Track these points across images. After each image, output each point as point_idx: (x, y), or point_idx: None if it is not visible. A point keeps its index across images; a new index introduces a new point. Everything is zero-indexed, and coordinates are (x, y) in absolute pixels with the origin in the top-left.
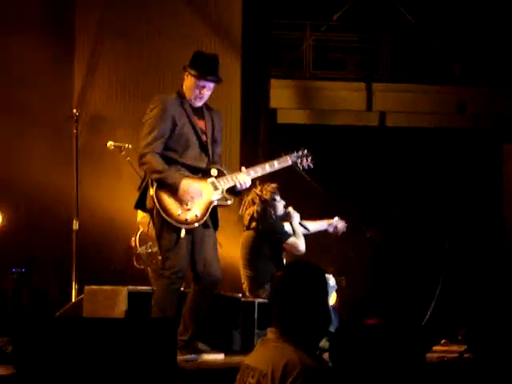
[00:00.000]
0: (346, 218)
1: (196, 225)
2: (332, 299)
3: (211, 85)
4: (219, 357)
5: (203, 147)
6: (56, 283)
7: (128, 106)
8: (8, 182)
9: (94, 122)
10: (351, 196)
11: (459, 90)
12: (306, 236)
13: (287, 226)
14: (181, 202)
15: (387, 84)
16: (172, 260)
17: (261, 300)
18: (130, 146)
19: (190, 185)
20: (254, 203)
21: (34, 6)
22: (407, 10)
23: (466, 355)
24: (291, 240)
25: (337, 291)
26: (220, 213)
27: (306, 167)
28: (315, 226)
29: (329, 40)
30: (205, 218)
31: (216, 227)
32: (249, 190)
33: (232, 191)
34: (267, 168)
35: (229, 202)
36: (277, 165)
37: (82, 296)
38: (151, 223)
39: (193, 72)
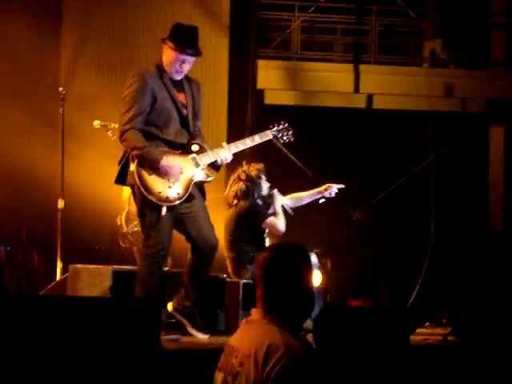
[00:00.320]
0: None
1: (177, 202)
2: (317, 280)
3: (192, 59)
4: (204, 337)
5: (184, 122)
6: (41, 262)
7: (114, 85)
8: None
9: (80, 101)
10: (338, 178)
11: (447, 72)
12: (292, 217)
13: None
14: (162, 179)
15: (375, 66)
16: (154, 238)
17: (245, 281)
18: (115, 125)
19: (170, 161)
20: (240, 180)
21: None
22: None
23: (449, 338)
24: (270, 219)
25: (322, 273)
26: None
27: (287, 141)
28: (301, 196)
29: (317, 21)
30: (186, 195)
31: (204, 196)
32: (235, 168)
33: (213, 166)
34: (248, 142)
35: (210, 179)
36: (258, 139)
37: (66, 275)
38: (132, 199)
39: (172, 45)
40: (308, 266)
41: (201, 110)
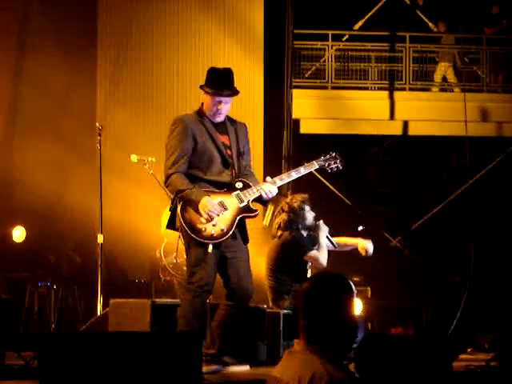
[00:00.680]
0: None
1: (223, 239)
2: (357, 308)
3: (228, 99)
4: (245, 368)
5: (226, 162)
6: (81, 296)
7: (150, 120)
8: (32, 195)
9: (117, 136)
10: (375, 205)
11: (482, 96)
12: (330, 251)
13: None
14: (205, 218)
15: (409, 92)
16: (198, 274)
17: (286, 311)
18: (153, 159)
19: (207, 202)
20: (283, 211)
21: (56, 21)
22: (428, 17)
23: (492, 363)
24: (313, 253)
25: (362, 301)
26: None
27: (335, 169)
28: (346, 243)
29: (350, 49)
30: (231, 231)
31: (246, 241)
32: (278, 200)
33: (258, 201)
34: (293, 174)
35: (255, 213)
36: (303, 170)
37: (107, 309)
38: (181, 241)
39: (207, 89)
40: (349, 296)
41: (249, 150)
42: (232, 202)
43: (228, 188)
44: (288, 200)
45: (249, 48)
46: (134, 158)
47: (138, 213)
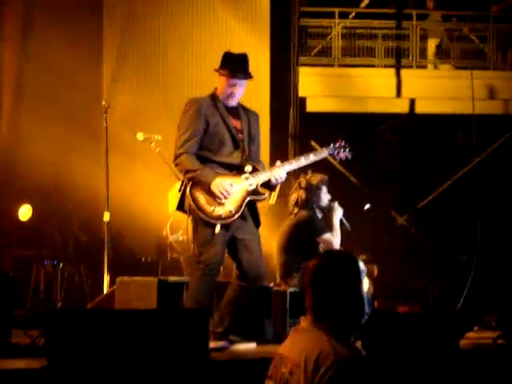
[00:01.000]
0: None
1: (231, 220)
2: (365, 286)
3: (243, 82)
4: (251, 346)
5: (237, 145)
6: (88, 275)
7: (157, 98)
8: (38, 173)
9: (123, 114)
10: (382, 183)
11: (489, 74)
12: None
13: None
14: (214, 198)
15: (416, 70)
16: (206, 253)
17: (292, 289)
18: (159, 137)
19: (221, 182)
20: (300, 187)
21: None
22: None
23: (499, 341)
24: (326, 236)
25: (369, 279)
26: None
27: (344, 158)
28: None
29: (357, 27)
30: (239, 212)
31: (258, 224)
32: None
33: (267, 185)
34: (303, 161)
35: (263, 197)
36: (312, 157)
37: (113, 287)
38: (189, 221)
39: (223, 71)
40: (357, 274)
41: (259, 140)
42: (241, 184)
43: (237, 170)
44: (308, 177)
45: (255, 26)
46: (140, 135)
47: (145, 191)
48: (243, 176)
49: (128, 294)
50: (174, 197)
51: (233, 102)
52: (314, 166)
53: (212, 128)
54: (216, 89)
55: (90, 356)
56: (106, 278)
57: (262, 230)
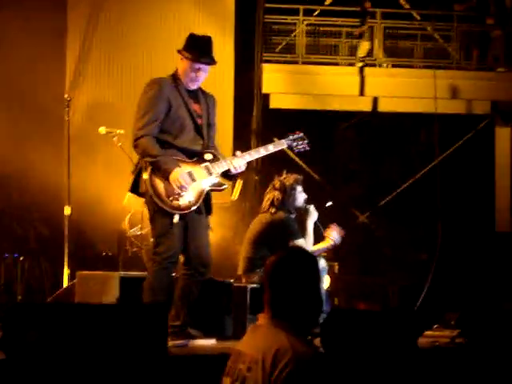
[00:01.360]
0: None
1: (189, 211)
2: (325, 283)
3: (206, 67)
4: (211, 342)
5: (198, 130)
6: (48, 268)
7: (120, 92)
8: None
9: (86, 108)
10: (344, 181)
11: (452, 74)
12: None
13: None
14: (173, 188)
15: (380, 68)
16: (164, 245)
17: (253, 285)
18: (121, 131)
19: (180, 174)
20: (275, 189)
21: None
22: None
23: (458, 340)
24: (300, 242)
25: (329, 276)
26: (213, 197)
27: (302, 150)
28: (319, 248)
29: (321, 24)
30: (198, 203)
31: (209, 212)
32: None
33: (226, 175)
34: (262, 151)
35: (222, 187)
36: (272, 148)
37: (74, 281)
38: (146, 208)
39: (187, 55)
40: (315, 271)
41: (215, 123)
42: (201, 173)
43: (198, 158)
44: (282, 178)
45: (220, 21)
46: (102, 130)
47: (106, 185)
48: (203, 165)
49: (88, 288)
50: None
51: (194, 86)
52: (277, 163)
53: (174, 111)
54: (177, 70)
55: (49, 350)
56: (66, 272)
57: (223, 225)
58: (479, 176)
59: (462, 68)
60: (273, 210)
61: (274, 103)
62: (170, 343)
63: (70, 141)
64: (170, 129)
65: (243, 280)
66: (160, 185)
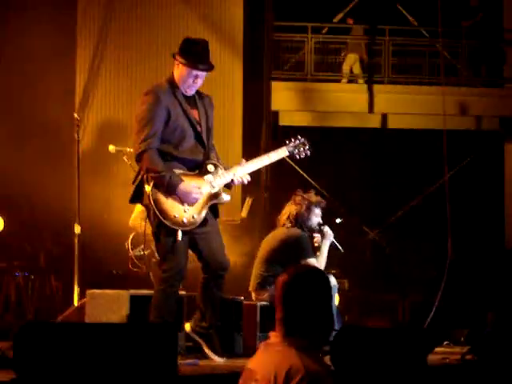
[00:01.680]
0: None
1: (193, 226)
2: (335, 300)
3: (204, 73)
4: (221, 360)
5: (199, 138)
6: (59, 287)
7: (129, 110)
8: (10, 186)
9: (96, 126)
10: (354, 199)
11: (461, 91)
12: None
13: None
14: (177, 203)
15: (388, 85)
16: (170, 262)
17: (263, 303)
18: (131, 150)
19: (187, 187)
20: (294, 203)
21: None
22: (408, 10)
23: (468, 357)
24: (311, 261)
25: (339, 293)
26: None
27: (303, 155)
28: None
29: (330, 42)
30: (201, 218)
31: (217, 215)
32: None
33: (227, 185)
34: (265, 160)
35: (225, 200)
36: (274, 156)
37: (84, 300)
38: (148, 221)
39: (184, 61)
40: (326, 289)
41: (213, 126)
42: (204, 187)
43: (200, 170)
44: (305, 195)
45: (228, 39)
46: (112, 148)
47: (116, 203)
48: (206, 178)
49: (98, 306)
50: (137, 211)
51: (192, 92)
52: (285, 176)
53: (173, 120)
54: (173, 74)
55: (59, 369)
56: (77, 290)
57: (233, 242)
58: (488, 192)
59: (471, 85)
60: (288, 225)
61: (284, 120)
62: (180, 362)
63: (80, 159)
64: (170, 138)
65: (253, 297)
66: (163, 200)
